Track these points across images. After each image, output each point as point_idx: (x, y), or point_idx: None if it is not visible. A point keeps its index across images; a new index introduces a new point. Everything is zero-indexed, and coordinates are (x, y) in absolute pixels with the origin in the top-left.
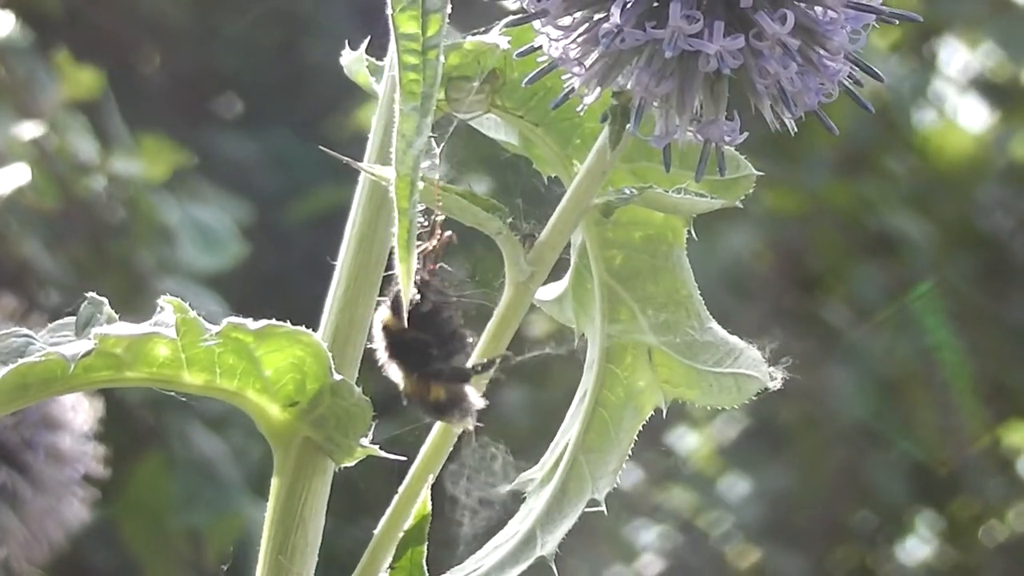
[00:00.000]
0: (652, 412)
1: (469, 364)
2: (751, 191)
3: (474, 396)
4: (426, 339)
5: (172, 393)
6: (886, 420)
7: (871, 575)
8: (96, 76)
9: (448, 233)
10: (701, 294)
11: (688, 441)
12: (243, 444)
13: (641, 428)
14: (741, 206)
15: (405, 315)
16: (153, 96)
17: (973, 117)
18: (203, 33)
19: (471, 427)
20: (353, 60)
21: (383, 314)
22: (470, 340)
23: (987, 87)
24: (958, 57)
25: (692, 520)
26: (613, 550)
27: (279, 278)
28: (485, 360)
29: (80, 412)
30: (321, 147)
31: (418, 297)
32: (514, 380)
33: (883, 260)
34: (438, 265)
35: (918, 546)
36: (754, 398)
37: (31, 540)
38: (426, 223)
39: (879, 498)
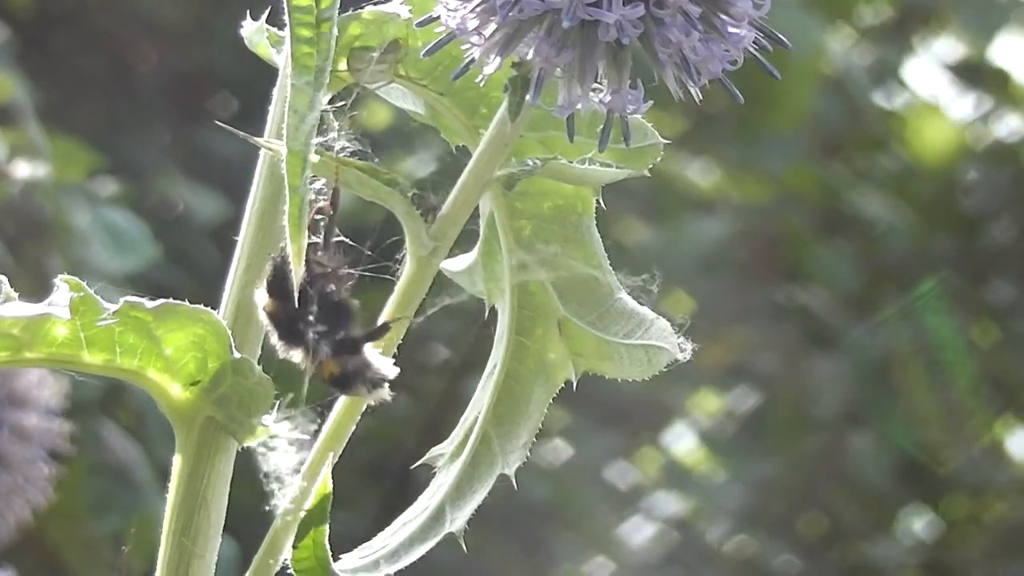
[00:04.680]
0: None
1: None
2: (724, 177)
3: (382, 366)
4: (305, 315)
5: (87, 397)
6: (872, 408)
7: (865, 566)
8: (7, 79)
9: (320, 204)
10: (679, 280)
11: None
12: (156, 445)
13: (637, 426)
14: (649, 174)
15: (286, 293)
16: (149, 95)
17: (950, 100)
18: (199, 33)
19: (387, 398)
20: (254, 31)
21: (261, 297)
22: (356, 309)
23: (963, 70)
24: (937, 41)
25: (681, 512)
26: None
27: None
28: (374, 328)
29: (46, 389)
30: (218, 122)
31: (290, 273)
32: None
33: (861, 245)
34: (321, 238)
35: (909, 536)
36: (746, 389)
37: None
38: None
39: (868, 487)
